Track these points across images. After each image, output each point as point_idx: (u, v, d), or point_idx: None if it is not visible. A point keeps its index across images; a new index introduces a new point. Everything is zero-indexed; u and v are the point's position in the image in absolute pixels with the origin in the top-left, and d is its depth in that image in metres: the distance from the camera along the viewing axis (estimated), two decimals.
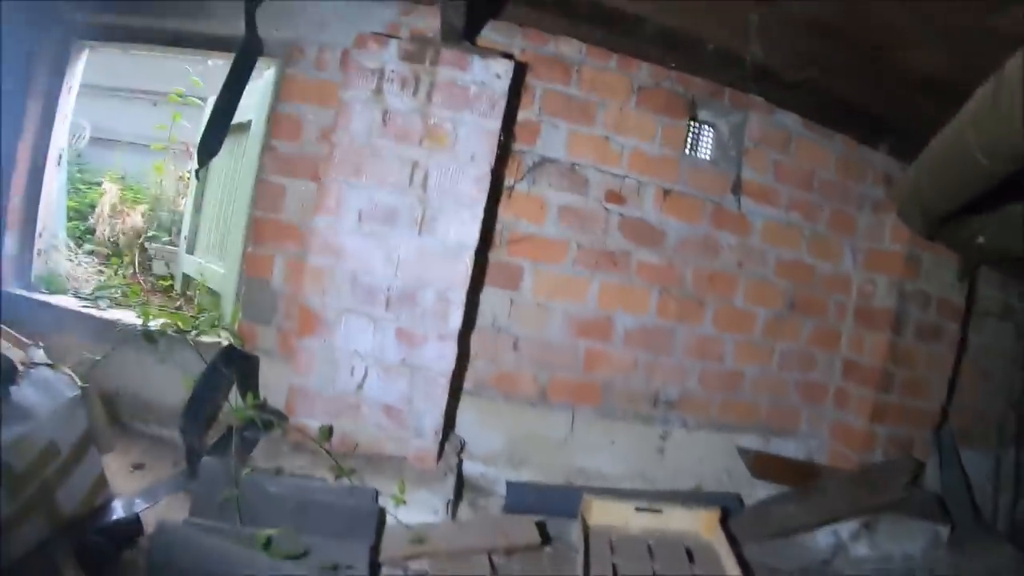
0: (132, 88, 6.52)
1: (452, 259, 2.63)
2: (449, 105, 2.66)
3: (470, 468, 3.01)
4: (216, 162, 3.92)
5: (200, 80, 4.87)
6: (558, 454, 3.15)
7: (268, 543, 2.00)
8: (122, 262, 4.20)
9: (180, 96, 4.75)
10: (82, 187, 4.98)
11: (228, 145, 3.71)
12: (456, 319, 2.64)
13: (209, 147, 2.88)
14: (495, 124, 2.68)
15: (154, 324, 2.90)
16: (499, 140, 2.70)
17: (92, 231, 4.51)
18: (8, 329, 2.67)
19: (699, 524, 2.80)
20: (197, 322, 2.95)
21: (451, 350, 2.64)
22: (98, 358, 2.88)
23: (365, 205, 2.59)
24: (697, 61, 3.20)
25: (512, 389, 3.10)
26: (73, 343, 2.97)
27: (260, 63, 3.11)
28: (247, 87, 2.99)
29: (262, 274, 2.95)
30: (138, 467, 2.72)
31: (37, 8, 3.28)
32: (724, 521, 2.81)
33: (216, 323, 3.04)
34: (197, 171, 2.99)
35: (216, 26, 3.19)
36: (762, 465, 3.56)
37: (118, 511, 2.34)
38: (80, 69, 3.46)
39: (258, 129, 3.20)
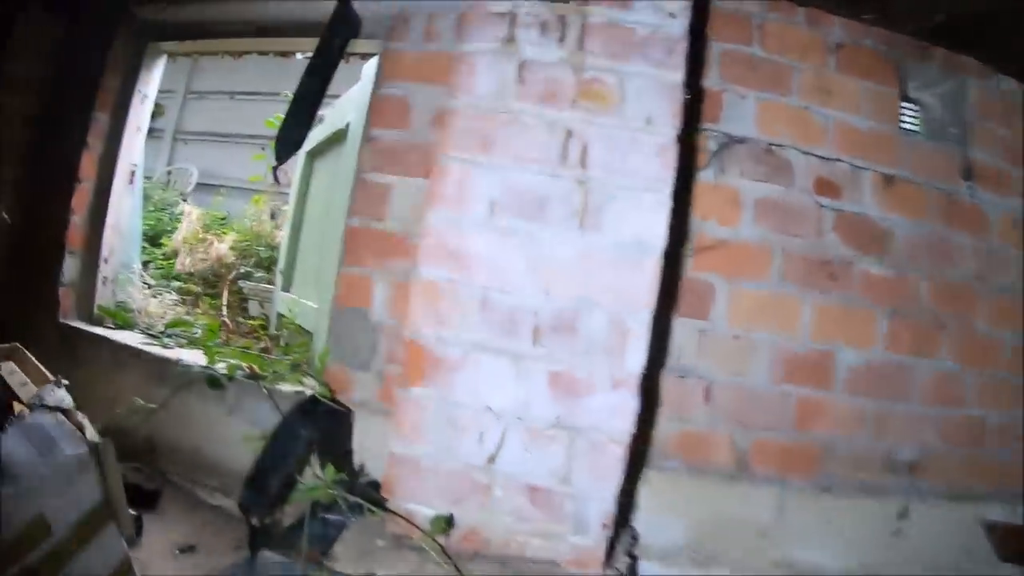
0: (238, 134, 5.83)
1: (629, 266, 1.53)
2: (609, 53, 1.61)
3: (642, 568, 1.82)
4: (315, 183, 2.97)
5: None
6: (761, 544, 1.94)
7: None
8: (215, 302, 3.24)
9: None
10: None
11: (328, 161, 2.74)
12: (637, 355, 1.52)
13: (289, 139, 1.92)
14: (676, 76, 1.61)
15: (221, 366, 1.90)
16: (684, 98, 1.59)
17: (173, 256, 3.57)
18: (30, 357, 1.76)
19: None
20: (276, 366, 1.91)
21: (629, 402, 1.52)
22: (153, 405, 1.93)
23: (499, 192, 1.54)
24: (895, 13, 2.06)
25: (701, 456, 1.91)
26: (128, 385, 2.04)
27: (357, 46, 2.17)
28: (337, 73, 2.04)
29: (358, 302, 1.90)
30: (187, 549, 1.75)
31: (107, 9, 2.45)
32: None
33: (301, 366, 2.01)
34: (275, 169, 1.99)
35: (307, 10, 2.25)
36: (1013, 542, 2.24)
37: None
38: (156, 76, 2.59)
39: (358, 127, 2.21)
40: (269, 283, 3.49)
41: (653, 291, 1.53)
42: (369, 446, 1.75)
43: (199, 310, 3.00)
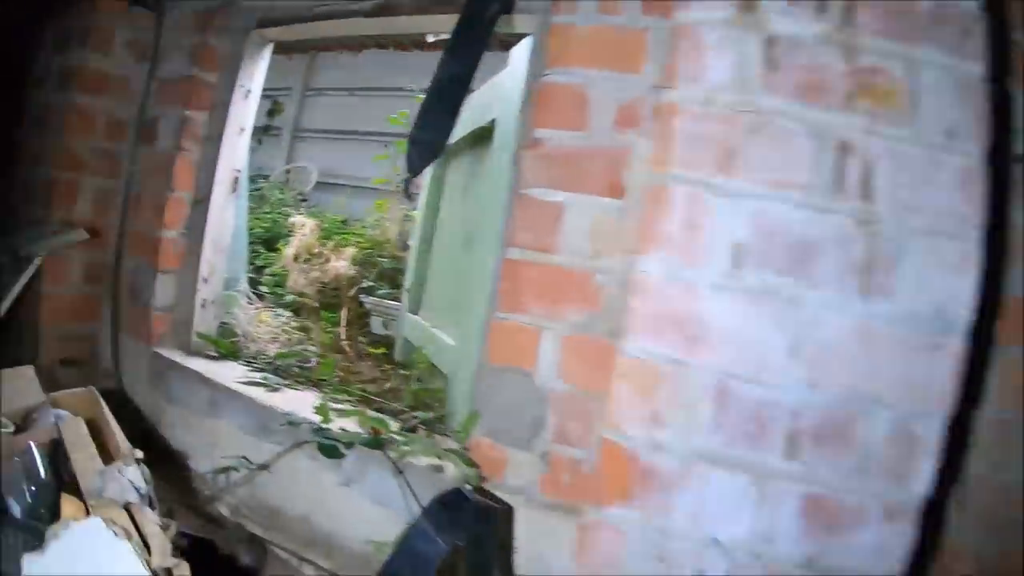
0: (359, 131, 5.40)
1: (925, 347, 0.98)
2: (888, 31, 1.06)
3: None
4: (449, 188, 2.45)
5: None
6: None
7: None
8: (334, 315, 2.78)
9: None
10: None
11: (466, 164, 2.22)
12: (925, 473, 0.99)
13: (425, 142, 1.43)
14: (974, 68, 1.04)
15: (337, 425, 1.45)
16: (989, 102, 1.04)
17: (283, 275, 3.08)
18: (105, 410, 1.37)
19: None
20: (408, 438, 1.42)
21: (905, 536, 0.99)
22: (252, 466, 1.52)
23: (746, 231, 1.01)
24: None
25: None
26: (227, 432, 1.64)
27: (505, 24, 1.60)
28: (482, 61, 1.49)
29: (517, 361, 1.33)
30: None
31: None
32: None
33: (437, 427, 1.54)
34: (407, 182, 1.50)
35: None
36: None
37: None
38: (262, 69, 2.13)
39: (507, 125, 1.67)
40: (394, 299, 2.91)
41: (953, 383, 0.98)
42: (525, 548, 1.27)
43: (312, 334, 2.49)
